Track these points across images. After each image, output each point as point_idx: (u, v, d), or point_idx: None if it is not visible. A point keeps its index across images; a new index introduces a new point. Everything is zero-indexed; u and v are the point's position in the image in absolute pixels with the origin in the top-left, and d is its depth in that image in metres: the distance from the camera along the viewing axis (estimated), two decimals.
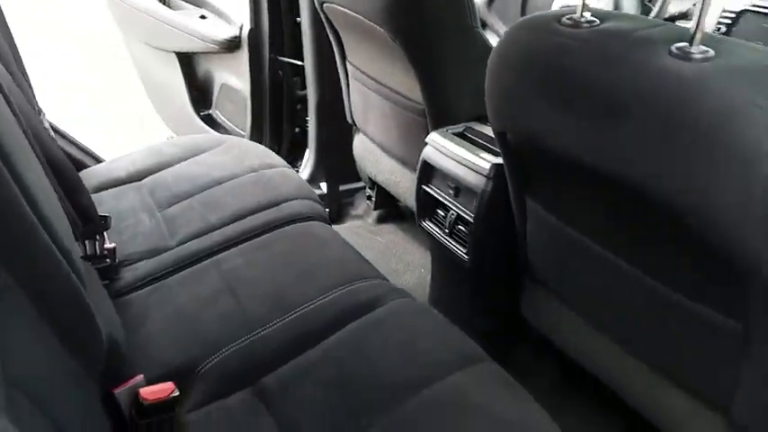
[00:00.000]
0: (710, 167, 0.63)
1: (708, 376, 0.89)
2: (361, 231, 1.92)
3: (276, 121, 2.00)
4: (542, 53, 0.81)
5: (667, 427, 1.03)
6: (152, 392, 0.70)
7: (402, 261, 1.78)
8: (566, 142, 0.81)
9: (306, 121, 1.96)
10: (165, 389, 0.71)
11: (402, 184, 1.63)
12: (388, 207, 1.95)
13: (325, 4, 1.53)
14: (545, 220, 1.04)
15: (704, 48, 0.64)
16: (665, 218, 0.73)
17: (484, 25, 2.07)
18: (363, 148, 1.81)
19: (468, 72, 1.33)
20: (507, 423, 0.77)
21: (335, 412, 0.79)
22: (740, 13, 1.46)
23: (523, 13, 2.02)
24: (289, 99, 1.98)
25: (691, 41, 0.64)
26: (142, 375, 0.75)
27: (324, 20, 1.61)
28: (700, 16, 0.62)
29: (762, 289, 0.70)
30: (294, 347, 0.88)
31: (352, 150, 1.88)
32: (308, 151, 1.97)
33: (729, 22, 1.47)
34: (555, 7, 1.72)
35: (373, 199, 1.94)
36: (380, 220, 1.96)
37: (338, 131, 1.85)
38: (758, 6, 1.44)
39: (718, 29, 1.49)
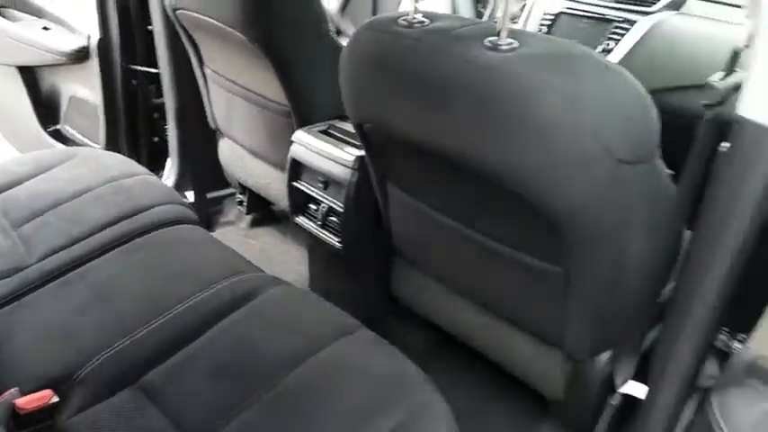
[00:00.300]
0: (520, 139, 0.76)
1: (545, 319, 1.05)
2: (235, 237, 1.92)
3: (132, 131, 1.94)
4: (383, 50, 0.91)
5: (519, 370, 1.18)
6: (28, 401, 0.68)
7: (280, 262, 1.81)
8: (410, 127, 0.91)
9: (165, 130, 1.92)
10: (42, 396, 0.69)
11: (273, 185, 1.67)
12: (261, 211, 1.97)
13: (178, 11, 1.52)
14: (405, 202, 1.15)
15: (510, 40, 0.77)
16: (497, 187, 0.86)
17: (339, 32, 2.18)
18: (230, 153, 1.81)
19: (325, 73, 1.39)
20: (382, 377, 0.84)
21: (221, 396, 0.81)
22: (557, 15, 1.69)
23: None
24: (145, 108, 1.93)
25: (498, 35, 0.77)
26: (17, 388, 0.72)
27: (177, 26, 1.59)
28: (503, 15, 0.75)
29: (571, 238, 0.85)
30: (175, 343, 0.89)
31: (217, 156, 1.87)
32: (169, 160, 1.93)
33: (549, 23, 1.70)
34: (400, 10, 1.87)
35: (245, 204, 1.95)
36: (254, 224, 1.97)
37: (201, 138, 1.84)
38: (572, 9, 1.68)
39: (541, 29, 1.72)
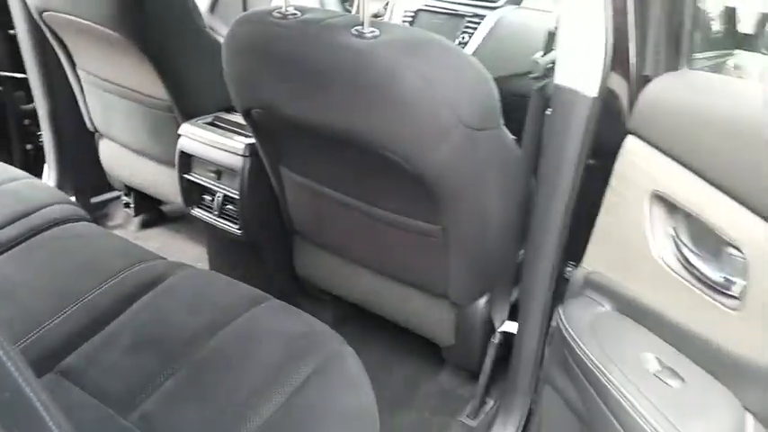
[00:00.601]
0: (388, 113, 0.90)
1: (431, 273, 1.21)
2: None
3: (3, 139, 1.84)
4: (262, 39, 1.01)
5: (414, 323, 1.34)
6: None
7: (177, 259, 1.82)
8: (294, 108, 1.02)
9: (39, 137, 1.85)
10: None
11: (161, 182, 1.68)
12: (150, 212, 1.96)
13: (45, 13, 1.49)
14: (298, 182, 1.26)
15: (373, 29, 0.90)
16: (377, 158, 0.99)
17: (211, 29, 2.21)
18: (112, 154, 1.80)
19: (205, 68, 1.45)
20: (294, 335, 0.93)
21: (143, 368, 0.85)
22: (417, 12, 1.88)
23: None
24: (14, 115, 1.84)
25: (363, 25, 0.90)
26: None
27: (45, 29, 1.56)
28: (365, 7, 0.89)
29: (441, 197, 1.01)
30: (91, 329, 0.92)
31: (98, 159, 1.84)
32: (46, 167, 1.86)
33: (410, 19, 1.88)
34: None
35: (132, 206, 1.93)
36: (144, 225, 1.96)
37: (79, 141, 1.80)
38: (429, 6, 1.87)
39: (403, 25, 1.89)
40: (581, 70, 0.83)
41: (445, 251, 1.13)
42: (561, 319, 0.91)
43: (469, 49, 1.72)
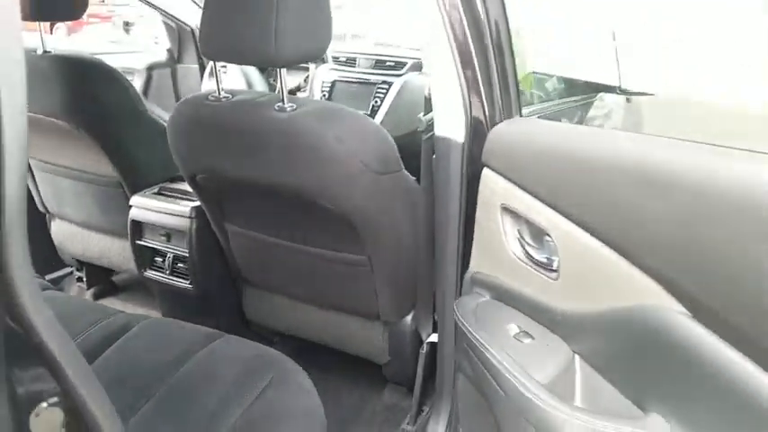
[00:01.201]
0: (311, 167, 1.13)
1: (363, 298, 1.42)
2: None
3: None
4: (203, 116, 1.23)
5: (354, 347, 1.53)
6: None
7: None
8: (234, 170, 1.24)
9: None
10: None
11: (114, 252, 1.84)
12: (103, 282, 2.09)
13: None
14: (242, 235, 1.46)
15: (291, 104, 1.14)
16: (307, 204, 1.22)
17: None
18: (64, 233, 1.93)
19: (150, 146, 1.65)
20: (250, 358, 1.10)
21: (120, 401, 0.96)
22: (333, 83, 2.17)
23: (177, 98, 2.45)
24: None
25: (283, 101, 1.14)
26: None
27: None
28: (284, 88, 1.14)
29: (362, 231, 1.24)
30: None
31: (49, 238, 1.97)
32: None
33: (328, 89, 2.16)
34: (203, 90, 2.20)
35: (84, 279, 2.06)
36: (98, 296, 2.07)
37: (30, 223, 1.92)
38: (343, 77, 2.16)
39: (324, 95, 2.17)
40: (451, 123, 1.10)
41: (372, 276, 1.35)
42: (456, 313, 1.13)
43: (382, 112, 2.00)
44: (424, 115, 1.19)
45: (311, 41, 1.08)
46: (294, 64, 1.11)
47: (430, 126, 1.18)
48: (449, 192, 1.17)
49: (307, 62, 2.14)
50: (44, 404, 0.56)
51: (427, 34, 1.05)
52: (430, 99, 1.16)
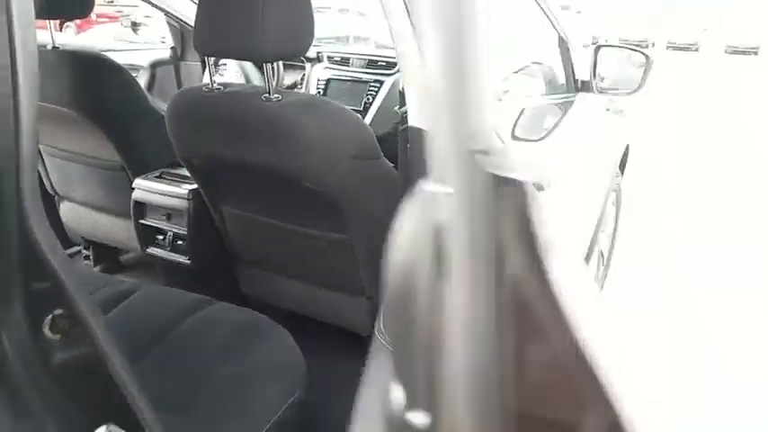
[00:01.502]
0: (296, 152, 1.25)
1: (348, 275, 1.54)
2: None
3: None
4: (198, 105, 1.35)
5: (340, 320, 1.66)
6: None
7: None
8: (227, 152, 1.37)
9: None
10: None
11: (119, 231, 1.97)
12: (109, 260, 2.22)
13: None
14: (235, 214, 1.59)
15: (277, 95, 1.26)
16: (295, 187, 1.34)
17: None
18: (73, 214, 2.07)
19: (152, 134, 1.76)
20: (241, 321, 1.23)
21: None
22: (328, 81, 2.28)
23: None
24: None
25: (269, 93, 1.27)
26: None
27: None
28: (269, 80, 1.26)
29: (344, 212, 1.37)
30: None
31: (57, 220, 2.10)
32: None
33: (323, 87, 2.28)
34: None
35: (91, 257, 2.19)
36: (104, 273, 2.21)
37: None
38: (337, 76, 2.26)
39: (319, 92, 2.28)
40: (422, 113, 1.22)
41: (355, 254, 1.47)
42: None
43: (374, 108, 2.12)
44: (400, 108, 1.31)
45: (295, 39, 1.20)
46: (279, 59, 1.23)
47: (405, 118, 1.31)
48: (422, 177, 1.29)
49: (291, 58, 2.25)
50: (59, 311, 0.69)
51: (395, 30, 1.17)
52: (403, 92, 1.28)
